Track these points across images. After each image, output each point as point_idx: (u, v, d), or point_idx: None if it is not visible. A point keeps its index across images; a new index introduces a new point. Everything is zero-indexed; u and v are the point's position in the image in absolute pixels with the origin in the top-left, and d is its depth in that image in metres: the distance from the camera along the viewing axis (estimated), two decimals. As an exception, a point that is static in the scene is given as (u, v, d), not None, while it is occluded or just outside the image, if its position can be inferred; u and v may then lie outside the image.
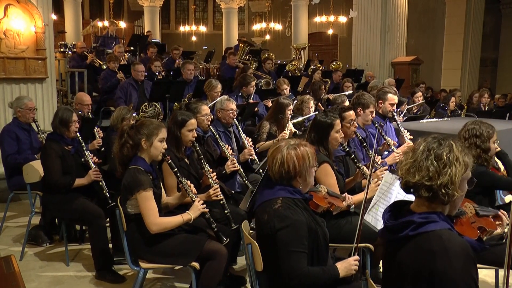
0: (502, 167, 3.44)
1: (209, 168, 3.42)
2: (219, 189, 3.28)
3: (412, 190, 1.76)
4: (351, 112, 3.70)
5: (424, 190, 1.70)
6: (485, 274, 3.56)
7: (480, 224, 2.53)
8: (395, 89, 5.17)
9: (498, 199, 3.63)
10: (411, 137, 4.41)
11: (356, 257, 2.38)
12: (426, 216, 1.70)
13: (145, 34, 14.51)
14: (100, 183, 3.87)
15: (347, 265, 2.34)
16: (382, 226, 2.50)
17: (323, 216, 2.68)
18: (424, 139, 1.77)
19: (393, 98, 4.52)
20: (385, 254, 1.91)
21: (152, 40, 13.06)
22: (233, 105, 4.43)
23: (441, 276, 1.60)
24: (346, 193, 3.09)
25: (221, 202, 3.26)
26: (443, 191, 1.67)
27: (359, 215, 3.13)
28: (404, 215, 1.77)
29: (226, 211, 3.25)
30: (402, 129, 4.43)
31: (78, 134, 3.98)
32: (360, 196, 3.21)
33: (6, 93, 5.98)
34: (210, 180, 3.35)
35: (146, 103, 6.45)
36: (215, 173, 3.44)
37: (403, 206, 1.86)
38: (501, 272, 3.03)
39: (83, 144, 4.01)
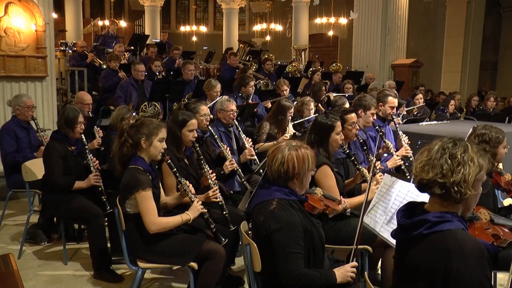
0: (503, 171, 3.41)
1: (208, 168, 3.42)
2: (218, 191, 3.28)
3: (425, 188, 1.78)
4: (353, 115, 3.68)
5: (437, 187, 1.72)
6: (501, 278, 3.52)
7: (494, 231, 2.52)
8: (396, 91, 5.17)
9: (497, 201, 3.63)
10: (409, 141, 4.41)
11: (354, 263, 2.38)
12: (441, 216, 1.72)
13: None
14: (100, 188, 3.84)
15: (343, 272, 2.34)
16: (382, 227, 2.51)
17: (320, 218, 2.68)
18: (440, 139, 1.81)
19: (393, 101, 4.52)
20: (397, 254, 1.92)
21: (154, 40, 13.07)
22: (233, 106, 4.44)
23: (456, 275, 1.63)
24: (341, 197, 3.09)
25: (220, 203, 3.26)
26: (456, 188, 1.70)
27: (357, 217, 3.14)
28: (418, 215, 1.79)
29: (224, 212, 3.25)
30: (400, 132, 4.43)
31: (82, 135, 3.96)
32: (356, 200, 3.21)
33: (6, 91, 5.98)
34: (210, 181, 3.34)
35: (146, 103, 6.45)
36: (214, 174, 3.44)
37: (418, 206, 1.88)
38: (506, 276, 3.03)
39: (87, 146, 3.98)
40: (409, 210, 1.87)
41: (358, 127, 3.73)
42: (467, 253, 1.63)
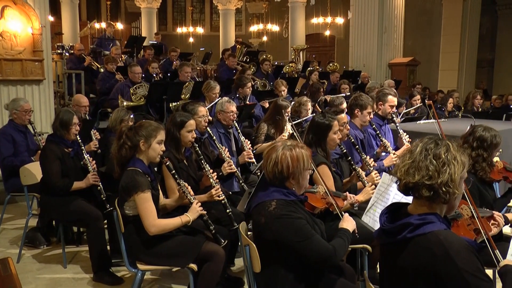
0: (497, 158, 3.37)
1: (209, 168, 3.42)
2: (220, 190, 3.28)
3: (411, 191, 1.77)
4: (344, 115, 3.73)
5: (425, 190, 1.71)
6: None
7: (476, 226, 2.53)
8: (395, 90, 5.17)
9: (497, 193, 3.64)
10: (410, 139, 4.42)
11: (346, 213, 2.60)
12: (424, 218, 1.71)
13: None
14: (98, 187, 3.85)
15: (348, 222, 2.53)
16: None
17: (322, 218, 2.68)
18: (420, 140, 1.79)
19: (393, 100, 4.52)
20: (383, 257, 1.91)
21: (150, 42, 13.05)
22: (233, 107, 4.44)
23: (447, 276, 1.61)
24: (347, 192, 3.08)
25: (223, 202, 3.26)
26: (444, 189, 1.69)
27: (358, 216, 3.14)
28: (402, 218, 1.78)
29: (228, 211, 3.25)
30: (400, 131, 4.43)
31: (78, 136, 3.96)
32: (363, 197, 3.20)
33: (3, 95, 5.97)
34: (211, 180, 3.34)
35: (134, 86, 6.58)
36: (215, 174, 3.45)
37: (400, 208, 1.87)
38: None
39: (83, 147, 3.99)
40: (392, 213, 1.86)
41: (349, 127, 3.75)
42: (452, 252, 1.61)
